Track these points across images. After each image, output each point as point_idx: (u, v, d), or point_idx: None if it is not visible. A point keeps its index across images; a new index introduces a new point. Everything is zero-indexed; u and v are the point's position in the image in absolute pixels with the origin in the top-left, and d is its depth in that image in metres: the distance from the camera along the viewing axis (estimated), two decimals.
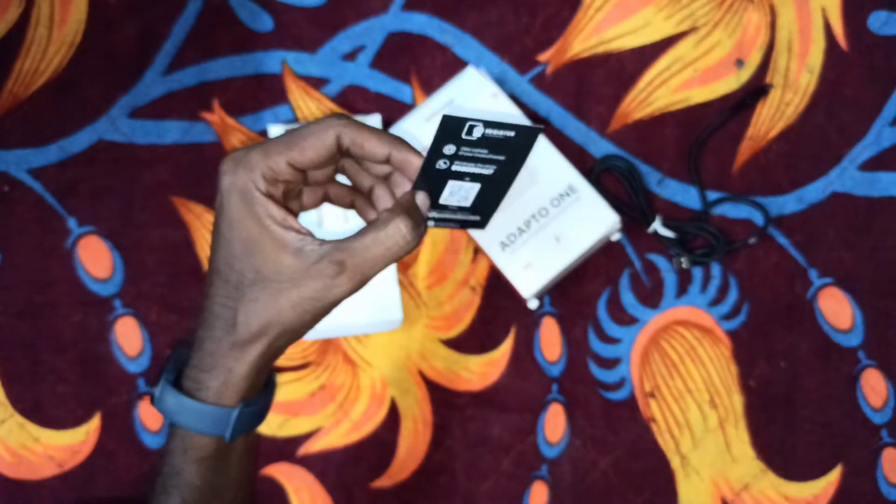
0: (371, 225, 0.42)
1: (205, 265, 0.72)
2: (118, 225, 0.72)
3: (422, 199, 0.44)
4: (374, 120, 0.71)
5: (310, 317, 0.43)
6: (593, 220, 0.68)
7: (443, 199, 0.45)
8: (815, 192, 0.73)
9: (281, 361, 0.59)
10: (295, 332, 0.44)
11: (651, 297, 0.72)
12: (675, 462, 0.70)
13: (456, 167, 0.43)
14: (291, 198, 0.46)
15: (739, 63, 0.74)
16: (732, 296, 0.72)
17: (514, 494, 0.70)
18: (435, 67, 0.74)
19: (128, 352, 0.71)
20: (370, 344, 0.71)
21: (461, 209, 0.47)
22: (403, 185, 0.45)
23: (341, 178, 0.47)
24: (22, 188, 0.72)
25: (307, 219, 0.66)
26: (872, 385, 0.71)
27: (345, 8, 0.75)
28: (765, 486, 0.70)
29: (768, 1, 0.75)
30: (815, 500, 0.70)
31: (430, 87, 0.74)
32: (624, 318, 0.72)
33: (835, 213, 0.72)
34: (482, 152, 0.43)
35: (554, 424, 0.71)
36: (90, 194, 0.72)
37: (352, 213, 0.64)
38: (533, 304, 0.69)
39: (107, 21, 0.75)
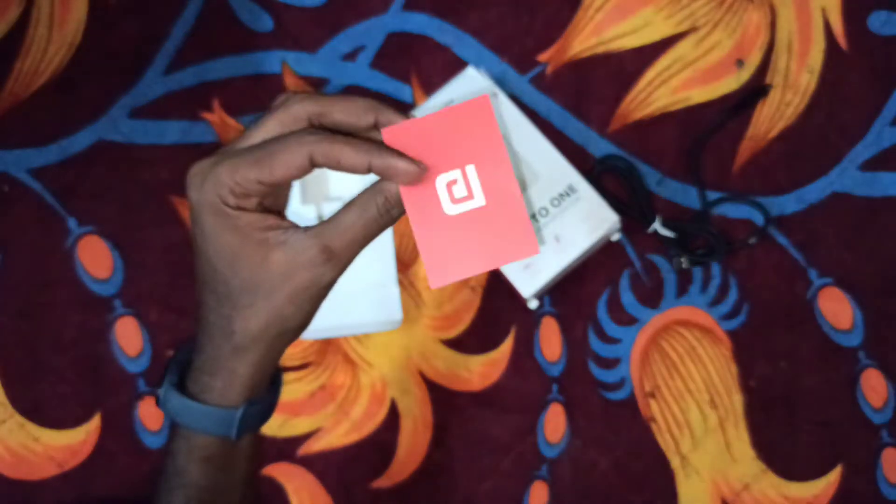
0: (352, 201, 0.42)
1: None
2: (118, 225, 0.72)
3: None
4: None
5: (308, 305, 0.43)
6: (593, 220, 0.68)
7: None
8: (815, 192, 0.73)
9: (281, 361, 0.59)
10: (296, 327, 0.44)
11: (651, 297, 0.72)
12: (675, 462, 0.70)
13: None
14: (267, 197, 0.44)
15: (739, 63, 0.74)
16: (732, 296, 0.72)
17: (514, 494, 0.70)
18: (435, 67, 0.74)
19: (128, 352, 0.71)
20: (370, 344, 0.71)
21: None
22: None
23: None
24: (22, 188, 0.72)
25: (306, 216, 0.66)
26: (872, 385, 0.71)
27: (345, 8, 0.75)
28: (765, 486, 0.70)
29: (768, 1, 0.75)
30: (815, 500, 0.70)
31: (430, 87, 0.74)
32: (624, 318, 0.72)
33: (835, 213, 0.72)
34: None
35: (554, 424, 0.71)
36: (90, 194, 0.72)
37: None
38: (533, 304, 0.69)
39: (107, 21, 0.75)
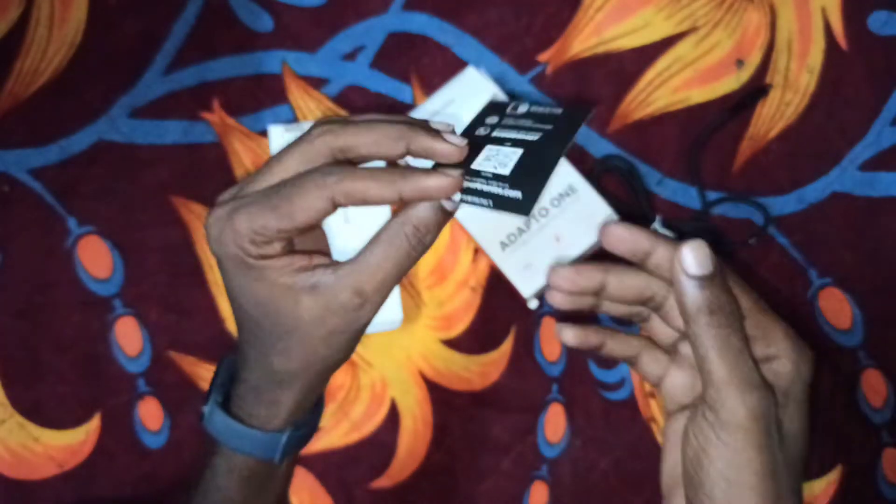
0: (378, 235, 0.40)
1: (205, 265, 0.72)
2: (118, 225, 0.72)
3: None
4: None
5: (346, 345, 0.42)
6: (593, 220, 0.68)
7: (476, 164, 0.39)
8: (815, 192, 0.73)
9: None
10: (337, 362, 0.43)
11: None
12: None
13: (497, 133, 0.39)
14: (294, 239, 0.42)
15: (739, 63, 0.74)
16: None
17: (514, 494, 0.70)
18: (435, 67, 0.74)
19: (128, 352, 0.71)
20: (370, 344, 0.71)
21: (497, 178, 0.40)
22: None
23: None
24: (22, 188, 0.72)
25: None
26: (872, 385, 0.71)
27: (345, 8, 0.75)
28: None
29: (768, 1, 0.75)
30: (814, 500, 0.70)
31: (430, 87, 0.74)
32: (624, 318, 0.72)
33: (835, 213, 0.72)
34: (527, 122, 0.39)
35: (554, 424, 0.71)
36: (90, 194, 0.72)
37: (351, 211, 0.64)
38: (533, 304, 0.69)
39: (107, 21, 0.75)
